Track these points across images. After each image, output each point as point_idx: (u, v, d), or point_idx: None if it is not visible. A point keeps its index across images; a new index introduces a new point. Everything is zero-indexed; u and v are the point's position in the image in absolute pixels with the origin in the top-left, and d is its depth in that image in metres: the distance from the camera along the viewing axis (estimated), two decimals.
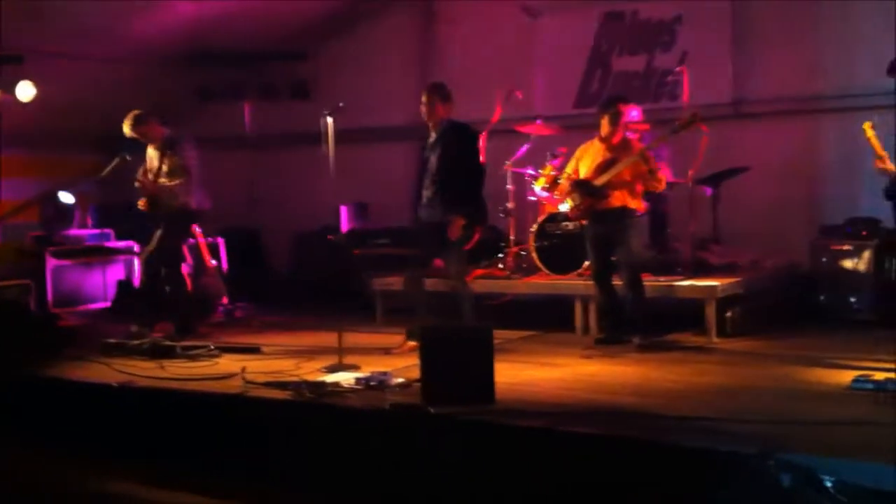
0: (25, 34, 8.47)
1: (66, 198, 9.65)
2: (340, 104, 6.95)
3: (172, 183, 7.88)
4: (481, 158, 7.43)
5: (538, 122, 8.88)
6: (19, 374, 6.90)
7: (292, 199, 10.88)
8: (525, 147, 8.72)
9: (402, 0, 10.75)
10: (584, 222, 7.56)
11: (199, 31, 9.64)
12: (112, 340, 7.57)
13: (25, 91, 8.97)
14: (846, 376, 5.74)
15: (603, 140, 7.37)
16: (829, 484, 4.02)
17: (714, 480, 4.29)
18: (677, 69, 8.65)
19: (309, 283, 9.92)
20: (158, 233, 7.92)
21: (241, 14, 9.55)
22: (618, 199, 7.22)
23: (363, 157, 10.10)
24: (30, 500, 5.59)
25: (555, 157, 8.33)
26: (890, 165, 6.00)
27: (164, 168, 7.93)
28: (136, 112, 7.96)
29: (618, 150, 7.29)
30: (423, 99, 7.19)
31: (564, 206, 8.07)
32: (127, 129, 7.91)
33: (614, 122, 7.28)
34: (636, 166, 7.19)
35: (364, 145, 9.85)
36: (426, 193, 7.25)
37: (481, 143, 7.56)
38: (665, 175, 7.31)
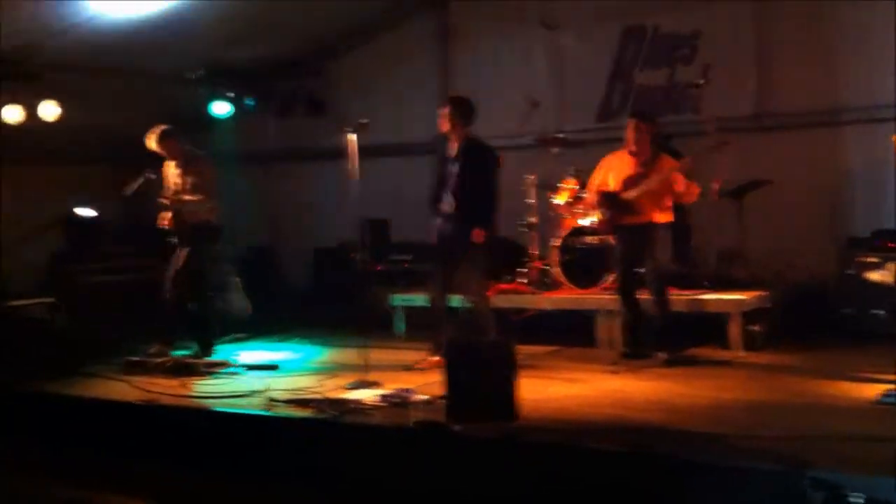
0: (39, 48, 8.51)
1: (85, 212, 9.66)
2: (363, 121, 6.95)
3: (195, 199, 7.89)
4: (497, 180, 7.39)
5: (559, 136, 8.85)
6: (39, 392, 6.91)
7: (310, 216, 10.89)
8: (547, 161, 8.68)
9: (419, 14, 10.75)
10: (611, 236, 7.53)
11: (214, 45, 9.66)
12: (135, 358, 7.59)
13: (49, 110, 9.03)
14: (874, 390, 5.69)
15: (633, 154, 7.35)
16: (860, 501, 3.96)
17: (743, 498, 4.24)
18: (700, 82, 8.62)
19: (328, 299, 9.89)
20: (184, 251, 7.92)
21: (255, 29, 9.55)
22: (646, 213, 7.19)
23: (381, 173, 10.10)
24: None
25: (577, 172, 8.29)
26: None
27: (187, 185, 7.94)
28: (162, 127, 7.97)
29: (648, 165, 7.26)
30: (445, 111, 7.18)
31: (586, 221, 8.05)
32: (152, 143, 7.91)
33: (641, 137, 7.25)
34: (666, 181, 7.16)
35: (381, 161, 9.86)
36: (445, 208, 7.24)
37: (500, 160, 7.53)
38: (696, 187, 7.26)
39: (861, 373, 6.34)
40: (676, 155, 7.53)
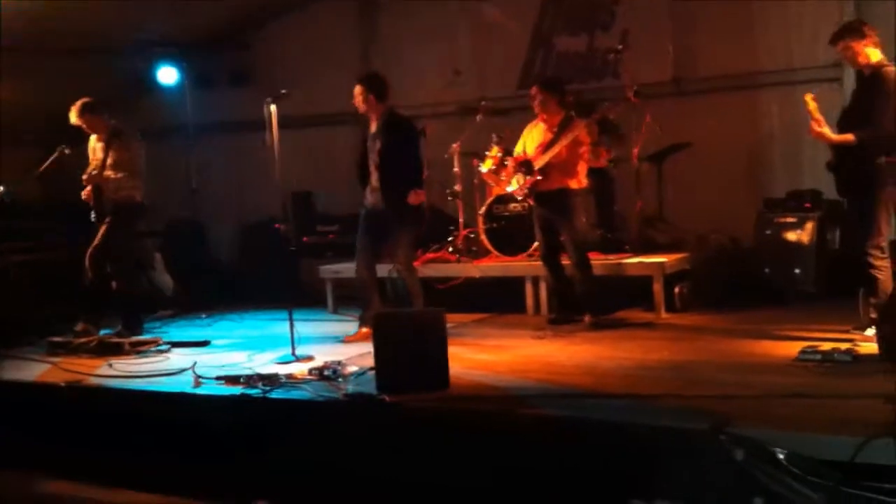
0: None
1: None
2: (283, 91, 6.86)
3: (118, 176, 7.73)
4: (421, 151, 7.37)
5: (483, 103, 8.87)
6: None
7: (235, 190, 10.76)
8: (470, 129, 8.70)
9: None
10: (531, 202, 7.59)
11: (137, 17, 9.44)
12: (58, 339, 7.44)
13: None
14: (793, 348, 5.82)
15: (544, 121, 7.39)
16: (781, 456, 4.07)
17: (668, 457, 4.33)
18: (619, 48, 8.70)
19: (255, 273, 9.81)
20: (103, 227, 7.77)
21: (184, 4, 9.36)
22: (557, 179, 7.25)
23: (306, 145, 10.01)
24: None
25: (500, 139, 8.32)
26: (828, 131, 6.08)
27: (109, 160, 7.77)
28: (85, 100, 7.78)
29: (558, 131, 7.31)
30: (356, 91, 7.15)
31: (510, 188, 8.09)
32: (74, 116, 7.73)
33: (548, 103, 7.29)
34: (574, 146, 7.22)
35: (305, 132, 9.76)
36: (371, 180, 7.23)
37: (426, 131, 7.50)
38: (604, 151, 7.33)
39: (781, 331, 6.50)
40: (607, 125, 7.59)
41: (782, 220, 7.90)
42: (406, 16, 10.30)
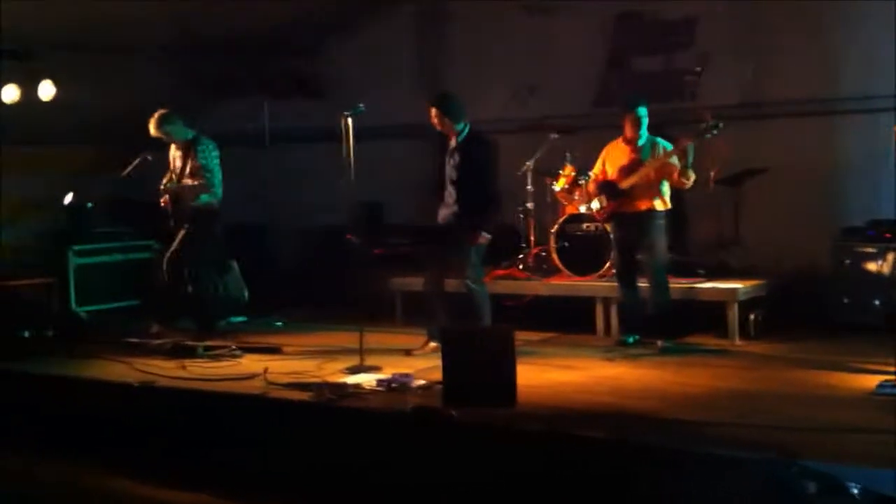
0: (29, 23, 8.46)
1: (68, 199, 9.63)
2: (361, 105, 6.94)
3: (196, 182, 7.90)
4: (497, 168, 7.39)
5: (557, 121, 8.86)
6: (37, 374, 6.93)
7: (306, 199, 10.87)
8: (544, 147, 8.68)
9: None
10: (609, 225, 7.57)
11: (208, 24, 9.62)
12: (133, 340, 7.60)
13: (46, 90, 9.01)
14: (870, 381, 5.72)
15: (628, 142, 7.37)
16: (854, 491, 4.00)
17: (737, 488, 4.27)
18: (698, 69, 8.63)
19: (326, 283, 9.90)
20: (182, 233, 7.94)
21: (248, 8, 9.51)
22: (644, 200, 7.22)
23: (374, 156, 10.06)
24: (43, 499, 5.60)
25: (574, 158, 8.31)
26: None
27: (188, 168, 7.95)
28: (162, 112, 7.97)
29: (642, 152, 7.28)
30: (432, 112, 7.18)
31: (584, 207, 8.07)
32: (152, 128, 7.93)
33: (636, 124, 7.27)
34: (662, 167, 7.18)
35: (374, 143, 9.83)
36: (447, 196, 7.27)
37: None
38: (691, 174, 7.24)
39: (858, 363, 6.38)
40: (673, 142, 7.52)
41: (862, 249, 7.75)
42: (479, 29, 10.32)
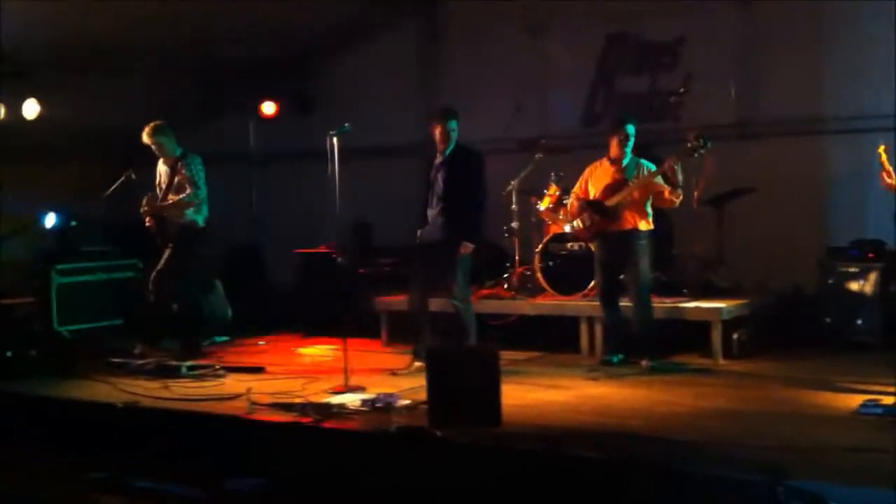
0: (26, 46, 8.46)
1: (49, 221, 9.60)
2: (346, 125, 6.94)
3: (178, 197, 7.88)
4: (486, 183, 7.42)
5: (542, 141, 8.88)
6: (24, 393, 6.88)
7: (295, 218, 10.86)
8: (530, 166, 8.70)
9: (406, 17, 10.76)
10: (593, 244, 7.57)
11: (202, 42, 9.63)
12: (117, 360, 7.56)
13: (30, 109, 9.00)
14: (854, 400, 5.72)
15: (612, 161, 7.38)
16: None
17: None
18: (681, 90, 8.67)
19: (312, 302, 9.88)
20: (167, 251, 7.91)
21: (242, 27, 9.53)
22: (629, 220, 7.23)
23: (365, 176, 10.08)
24: None
25: (560, 177, 8.32)
26: None
27: (174, 184, 7.94)
28: (157, 122, 8.01)
29: (627, 172, 7.30)
30: (442, 124, 7.18)
31: (569, 227, 8.07)
32: (146, 136, 7.93)
33: (624, 143, 7.29)
34: (647, 187, 7.20)
35: (365, 163, 9.85)
36: (431, 213, 7.28)
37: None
38: (676, 196, 7.24)
39: (842, 382, 6.39)
40: (657, 162, 7.55)
41: (845, 269, 7.79)
42: (469, 49, 10.36)
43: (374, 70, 10.81)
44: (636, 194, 7.22)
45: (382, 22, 10.74)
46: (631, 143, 7.32)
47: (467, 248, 7.09)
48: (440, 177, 7.23)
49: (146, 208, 7.94)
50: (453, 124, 7.21)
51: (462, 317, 7.22)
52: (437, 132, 7.22)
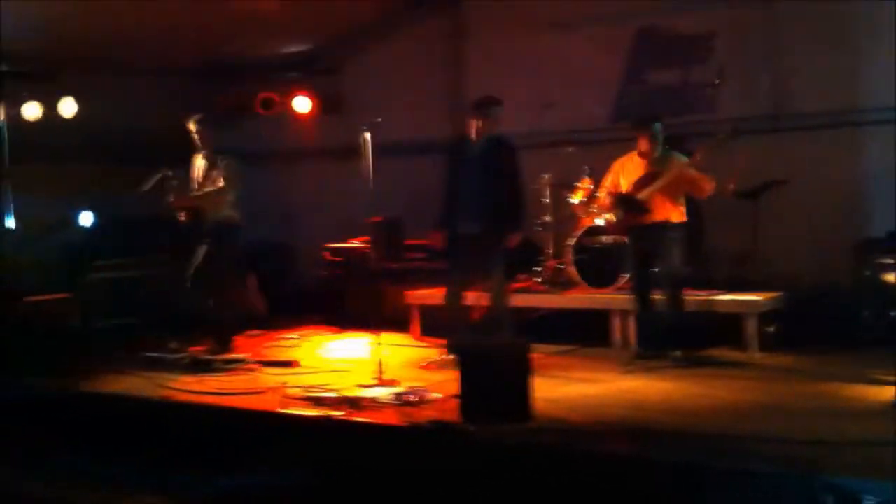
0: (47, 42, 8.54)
1: (85, 219, 9.69)
2: (378, 119, 6.96)
3: (216, 187, 7.92)
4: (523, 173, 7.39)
5: (574, 135, 8.86)
6: (58, 388, 6.96)
7: (326, 213, 10.90)
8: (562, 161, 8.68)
9: (432, 14, 10.75)
10: (625, 237, 7.54)
11: (227, 42, 9.68)
12: (152, 354, 7.64)
13: (68, 107, 9.10)
14: (889, 393, 5.66)
15: (643, 155, 7.35)
16: None
17: (755, 502, 4.24)
18: (716, 81, 8.60)
19: (343, 297, 9.92)
20: (203, 248, 7.96)
21: (269, 26, 9.57)
22: (661, 213, 7.20)
23: (394, 171, 10.07)
24: None
25: (592, 171, 8.29)
26: None
27: (210, 178, 7.99)
28: (203, 114, 8.10)
29: (658, 164, 7.27)
30: (484, 116, 7.17)
31: (601, 220, 8.05)
32: (192, 123, 8.00)
33: (654, 139, 7.25)
34: (680, 177, 7.16)
35: (394, 159, 9.85)
36: (467, 206, 7.23)
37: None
38: (710, 183, 7.21)
39: (878, 375, 6.32)
40: (689, 155, 7.50)
41: (882, 261, 7.69)
42: (497, 45, 10.33)
43: (401, 67, 10.80)
44: (669, 186, 7.18)
45: (409, 19, 10.73)
46: (659, 139, 7.29)
47: (515, 238, 7.06)
48: (475, 168, 7.19)
49: (174, 200, 7.95)
50: (496, 115, 7.16)
51: (498, 311, 7.20)
52: (480, 123, 7.19)
